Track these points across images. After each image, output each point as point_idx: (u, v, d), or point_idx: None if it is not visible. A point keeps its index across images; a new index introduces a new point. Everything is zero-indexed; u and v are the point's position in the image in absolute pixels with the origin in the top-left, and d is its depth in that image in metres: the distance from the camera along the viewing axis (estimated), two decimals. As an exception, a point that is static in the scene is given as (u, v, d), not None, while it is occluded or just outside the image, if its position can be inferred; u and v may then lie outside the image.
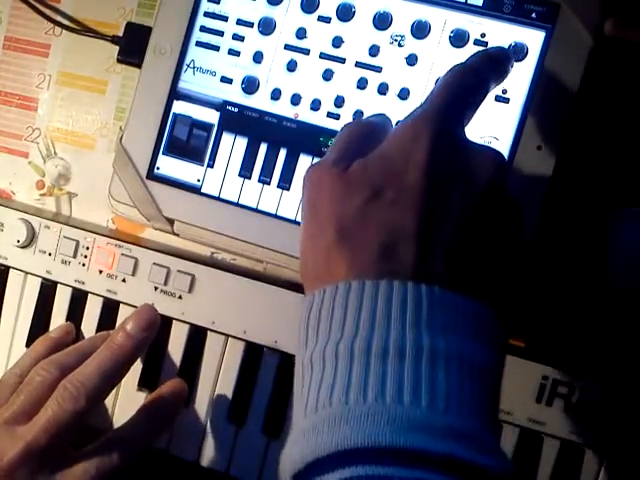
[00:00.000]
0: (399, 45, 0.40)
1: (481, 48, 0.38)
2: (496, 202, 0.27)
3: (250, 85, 0.42)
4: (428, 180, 0.26)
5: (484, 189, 0.26)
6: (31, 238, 0.44)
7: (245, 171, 0.42)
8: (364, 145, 0.29)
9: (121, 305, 0.43)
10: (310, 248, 0.28)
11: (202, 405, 0.43)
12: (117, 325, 0.43)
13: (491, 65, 0.31)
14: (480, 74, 0.30)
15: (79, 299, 0.44)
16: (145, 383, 0.43)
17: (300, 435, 0.23)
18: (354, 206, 0.26)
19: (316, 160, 0.41)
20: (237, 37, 0.42)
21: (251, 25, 0.42)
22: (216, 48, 0.42)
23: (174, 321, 0.43)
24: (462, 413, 0.22)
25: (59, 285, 0.44)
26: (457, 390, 0.22)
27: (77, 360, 0.39)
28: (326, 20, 0.41)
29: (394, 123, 0.39)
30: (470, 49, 0.39)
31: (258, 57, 0.42)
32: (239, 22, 0.42)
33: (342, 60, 0.41)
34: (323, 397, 0.23)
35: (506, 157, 0.38)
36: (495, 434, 0.23)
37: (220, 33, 0.42)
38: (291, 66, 0.41)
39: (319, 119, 0.41)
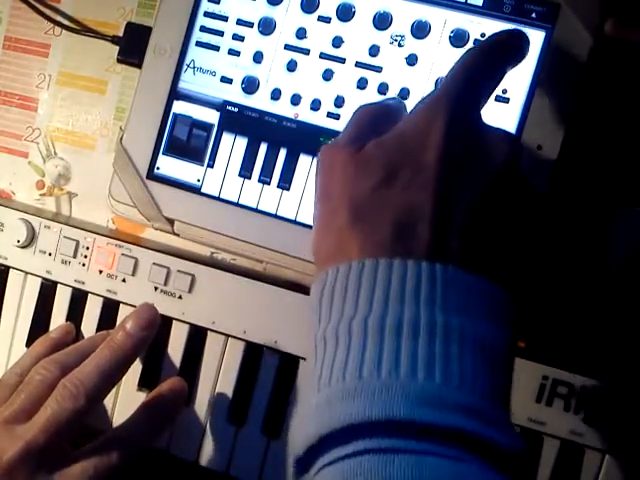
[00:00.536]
0: (399, 45, 0.40)
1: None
2: (511, 183, 0.27)
3: (250, 85, 0.42)
4: (444, 161, 0.26)
5: (499, 170, 0.26)
6: (31, 238, 0.44)
7: (245, 171, 0.42)
8: (379, 126, 0.29)
9: (121, 305, 0.43)
10: (323, 228, 0.28)
11: (202, 405, 0.43)
12: (117, 325, 0.44)
13: (508, 47, 0.30)
14: (497, 56, 0.30)
15: (79, 299, 0.44)
16: (145, 383, 0.43)
17: (313, 409, 0.23)
18: (368, 186, 0.26)
19: (316, 160, 0.41)
20: (237, 37, 0.42)
21: (251, 25, 0.42)
22: (216, 48, 0.42)
23: (174, 321, 0.43)
24: (475, 390, 0.22)
25: (59, 285, 0.44)
26: (471, 367, 0.23)
27: (77, 359, 0.39)
28: (326, 20, 0.41)
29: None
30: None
31: (258, 57, 0.42)
32: (239, 22, 0.42)
33: (342, 60, 0.41)
34: (337, 372, 0.23)
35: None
36: (507, 412, 0.24)
37: (220, 33, 0.42)
38: (291, 66, 0.41)
39: (319, 119, 0.41)
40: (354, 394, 0.22)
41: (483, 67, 0.29)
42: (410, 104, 0.39)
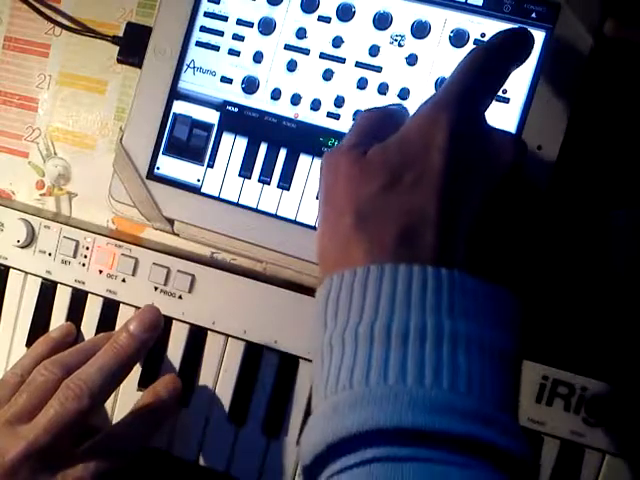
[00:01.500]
0: (399, 45, 0.40)
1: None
2: (515, 185, 0.27)
3: (250, 85, 0.42)
4: (448, 164, 0.25)
5: (504, 173, 0.26)
6: (31, 238, 0.44)
7: (245, 171, 0.42)
8: (382, 130, 0.28)
9: (121, 305, 0.43)
10: (328, 232, 0.27)
11: (202, 405, 0.43)
12: (117, 325, 0.44)
13: (512, 46, 0.30)
14: (500, 56, 0.29)
15: (79, 299, 0.44)
16: (145, 383, 0.43)
17: (320, 417, 0.23)
18: (373, 190, 0.26)
19: (316, 160, 0.41)
20: (237, 37, 0.42)
21: (251, 25, 0.42)
22: (216, 48, 0.42)
23: (174, 321, 0.43)
24: (483, 396, 0.22)
25: (59, 285, 0.44)
26: (478, 373, 0.22)
27: (79, 361, 0.39)
28: (326, 20, 0.41)
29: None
30: (470, 49, 0.39)
31: (258, 57, 0.42)
32: (239, 22, 0.42)
33: (342, 60, 0.41)
34: (343, 379, 0.23)
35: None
36: (516, 417, 0.24)
37: (220, 33, 0.42)
38: (291, 66, 0.41)
39: (319, 119, 0.41)
40: (361, 402, 0.22)
41: (488, 67, 0.29)
42: (410, 104, 0.39)
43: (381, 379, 0.22)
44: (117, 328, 0.44)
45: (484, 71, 0.28)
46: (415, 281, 0.24)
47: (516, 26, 0.38)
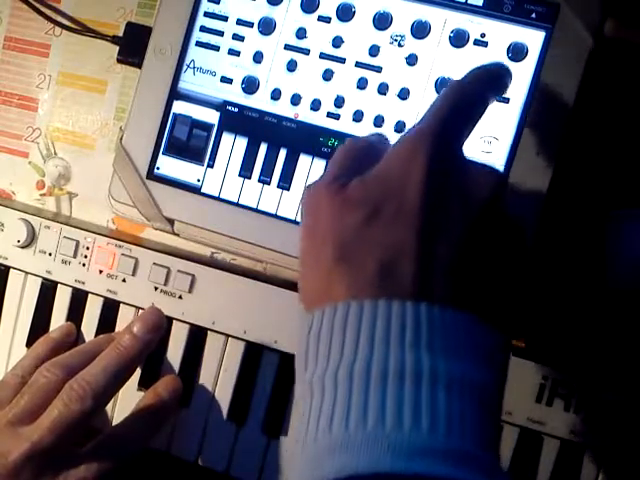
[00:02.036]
0: (399, 45, 0.40)
1: (481, 48, 0.38)
2: (495, 220, 0.26)
3: (250, 85, 0.42)
4: (427, 198, 0.25)
5: (482, 208, 0.26)
6: (31, 238, 0.44)
7: (245, 171, 0.42)
8: (362, 163, 0.29)
9: (121, 305, 0.44)
10: (309, 267, 0.27)
11: (202, 405, 0.43)
12: (117, 325, 0.44)
13: (490, 80, 0.30)
14: (478, 90, 0.30)
15: (79, 299, 0.44)
16: (145, 383, 0.43)
17: (300, 463, 0.23)
18: (353, 225, 0.26)
19: (316, 160, 0.41)
20: (237, 37, 0.42)
21: (251, 25, 0.42)
22: (216, 48, 0.42)
23: (174, 321, 0.43)
24: (464, 436, 0.22)
25: (59, 285, 0.44)
26: (458, 413, 0.22)
27: (81, 362, 0.39)
28: (326, 20, 0.41)
29: (394, 123, 0.40)
30: (470, 49, 0.39)
31: (258, 57, 0.42)
32: (239, 22, 0.42)
33: (342, 60, 0.41)
34: (323, 424, 0.23)
35: (505, 162, 0.38)
36: (497, 455, 0.23)
37: (220, 33, 0.42)
38: (291, 66, 0.41)
39: (319, 119, 0.41)
40: (340, 448, 0.22)
41: (465, 101, 0.29)
42: (410, 104, 0.39)
43: (360, 423, 0.22)
44: (117, 328, 0.44)
45: (461, 105, 0.28)
46: (394, 317, 0.23)
47: (514, 27, 0.38)
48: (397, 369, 0.23)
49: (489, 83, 0.30)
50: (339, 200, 0.27)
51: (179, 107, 0.42)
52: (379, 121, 0.40)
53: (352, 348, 0.24)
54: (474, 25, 0.39)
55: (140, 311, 0.43)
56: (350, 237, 0.26)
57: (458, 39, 0.39)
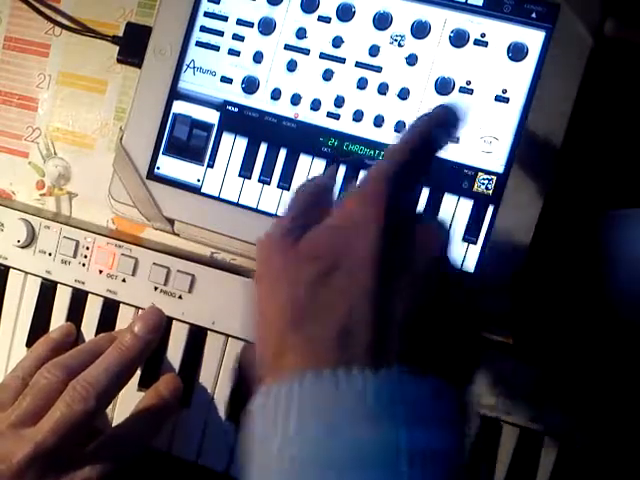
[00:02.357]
0: (399, 45, 0.40)
1: (481, 48, 0.38)
2: (445, 274, 0.26)
3: (250, 85, 0.42)
4: (379, 258, 0.25)
5: (434, 265, 0.25)
6: (31, 238, 0.44)
7: (245, 171, 0.42)
8: (313, 212, 0.28)
9: (121, 305, 0.44)
10: (262, 332, 0.26)
11: (202, 405, 0.43)
12: (117, 325, 0.44)
13: (437, 127, 0.29)
14: (427, 139, 0.29)
15: (79, 299, 0.44)
16: (145, 383, 0.43)
17: None
18: (306, 284, 0.25)
19: (316, 160, 0.41)
20: (237, 37, 0.42)
21: (251, 25, 0.42)
22: (216, 48, 0.42)
23: (174, 321, 0.43)
24: None
25: (59, 285, 0.44)
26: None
27: (81, 362, 0.39)
28: (326, 20, 0.41)
29: (394, 123, 0.40)
30: (470, 49, 0.39)
31: (258, 57, 0.42)
32: (239, 22, 0.42)
33: (342, 60, 0.41)
34: None
35: (505, 162, 0.38)
36: None
37: (220, 33, 0.42)
38: (291, 66, 0.41)
39: (319, 119, 0.41)
40: None
41: (414, 151, 0.28)
42: (410, 104, 0.39)
43: None
44: (117, 328, 0.44)
45: (411, 156, 0.28)
46: (352, 388, 0.22)
47: (514, 27, 0.38)
48: (356, 446, 0.22)
49: (437, 131, 0.29)
50: (290, 261, 0.26)
51: (179, 107, 0.42)
52: (379, 121, 0.40)
53: (302, 426, 0.22)
54: (474, 25, 0.39)
55: (140, 311, 0.43)
56: (304, 299, 0.25)
57: (458, 39, 0.39)
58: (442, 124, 0.29)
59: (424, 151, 0.29)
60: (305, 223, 0.27)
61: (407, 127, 0.29)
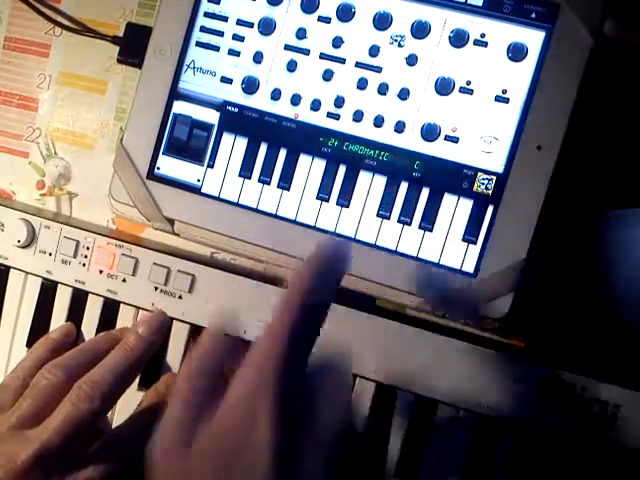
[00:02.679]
0: (399, 45, 0.40)
1: (481, 48, 0.38)
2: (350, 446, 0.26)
3: (250, 85, 0.42)
4: (274, 454, 0.24)
5: (334, 439, 0.25)
6: (31, 238, 0.44)
7: (245, 171, 0.42)
8: (203, 405, 0.26)
9: (121, 305, 0.44)
10: None
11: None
12: (117, 325, 0.44)
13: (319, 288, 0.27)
14: (300, 334, 0.26)
15: (79, 299, 0.44)
16: (145, 383, 0.43)
17: None
18: None
19: (316, 160, 0.41)
20: (237, 37, 0.42)
21: (251, 25, 0.42)
22: (216, 48, 0.42)
23: (174, 321, 0.43)
24: None
25: (59, 285, 0.44)
26: None
27: (82, 362, 0.39)
28: (326, 20, 0.41)
29: (394, 123, 0.40)
30: (470, 49, 0.39)
31: (258, 57, 0.42)
32: (239, 22, 0.42)
33: (342, 60, 0.41)
34: None
35: (505, 162, 0.38)
36: None
37: (220, 33, 0.42)
38: (291, 66, 0.41)
39: (319, 119, 0.41)
40: None
41: (292, 346, 0.25)
42: (410, 104, 0.39)
43: None
44: (117, 328, 0.44)
45: (288, 346, 0.25)
46: None
47: (514, 27, 0.38)
48: None
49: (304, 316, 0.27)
50: (187, 464, 0.25)
51: (179, 107, 0.43)
52: (379, 121, 0.40)
53: None
54: (474, 25, 0.39)
55: (140, 311, 0.43)
56: None
57: (458, 39, 0.39)
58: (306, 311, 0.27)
59: (304, 337, 0.26)
60: (198, 415, 0.26)
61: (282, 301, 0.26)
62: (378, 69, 0.40)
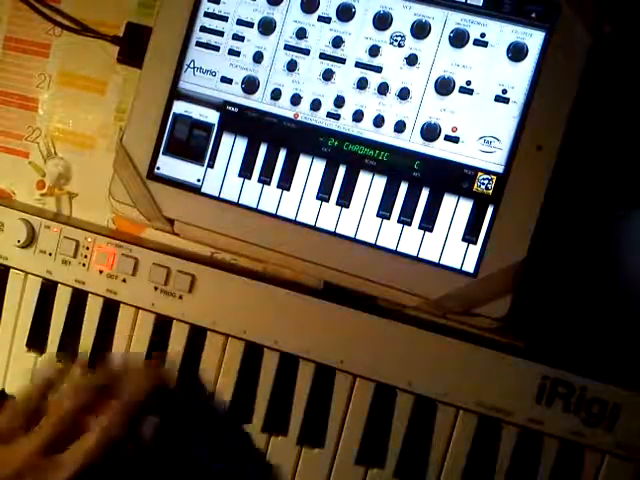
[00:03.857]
0: (399, 45, 0.40)
1: (481, 48, 0.38)
2: None
3: (250, 85, 0.42)
4: None
5: None
6: (31, 238, 0.44)
7: (245, 171, 0.42)
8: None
9: (121, 305, 0.44)
10: None
11: (202, 405, 0.42)
12: (117, 325, 0.44)
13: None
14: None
15: (79, 299, 0.44)
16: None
17: None
18: None
19: (316, 160, 0.41)
20: (237, 37, 0.42)
21: (251, 25, 0.42)
22: (216, 48, 0.42)
23: (174, 321, 0.43)
24: None
25: (59, 285, 0.44)
26: None
27: (102, 383, 0.39)
28: (326, 20, 0.41)
29: (394, 123, 0.40)
30: (470, 49, 0.39)
31: (258, 57, 0.42)
32: (239, 22, 0.42)
33: (342, 60, 0.41)
34: None
35: (505, 162, 0.38)
36: None
37: (220, 33, 0.42)
38: (291, 66, 0.41)
39: (319, 119, 0.41)
40: None
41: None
42: (410, 104, 0.39)
43: None
44: (117, 328, 0.44)
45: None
46: None
47: (513, 27, 0.38)
48: None
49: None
50: None
51: (179, 107, 0.42)
52: (379, 121, 0.40)
53: None
54: (474, 25, 0.39)
55: (140, 311, 0.43)
56: None
57: (458, 39, 0.39)
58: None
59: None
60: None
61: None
62: (378, 69, 0.40)
